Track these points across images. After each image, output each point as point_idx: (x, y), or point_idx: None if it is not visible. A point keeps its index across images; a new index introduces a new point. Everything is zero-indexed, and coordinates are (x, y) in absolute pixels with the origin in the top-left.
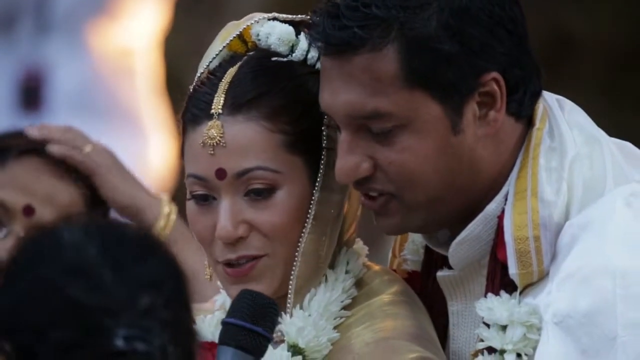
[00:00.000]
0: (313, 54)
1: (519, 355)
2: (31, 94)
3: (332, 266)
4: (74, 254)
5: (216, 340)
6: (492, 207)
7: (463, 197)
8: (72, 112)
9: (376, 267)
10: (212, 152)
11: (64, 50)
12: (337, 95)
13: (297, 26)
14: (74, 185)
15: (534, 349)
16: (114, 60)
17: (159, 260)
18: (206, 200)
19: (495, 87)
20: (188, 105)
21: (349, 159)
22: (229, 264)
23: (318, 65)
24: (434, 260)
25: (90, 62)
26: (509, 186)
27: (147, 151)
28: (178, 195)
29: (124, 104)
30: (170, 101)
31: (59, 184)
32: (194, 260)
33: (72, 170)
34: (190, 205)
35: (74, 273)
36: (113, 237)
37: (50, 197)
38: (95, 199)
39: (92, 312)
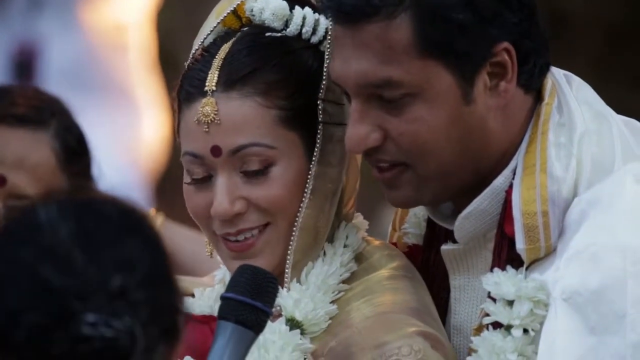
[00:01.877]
0: (307, 28)
1: (525, 330)
2: (24, 68)
3: (330, 240)
4: (48, 234)
5: (215, 314)
6: (499, 181)
7: (473, 169)
8: (65, 87)
9: (376, 242)
10: (206, 129)
11: (57, 25)
12: (349, 64)
13: (291, 1)
14: (44, 144)
15: (541, 324)
16: (106, 35)
17: (137, 239)
18: (203, 180)
19: (507, 57)
20: (182, 82)
21: (359, 128)
22: (229, 239)
23: (312, 40)
24: (437, 234)
25: (83, 37)
26: (517, 161)
27: (140, 126)
28: (171, 170)
29: (117, 79)
30: (163, 76)
31: (28, 146)
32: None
33: (41, 128)
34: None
35: (46, 254)
36: (89, 216)
37: (20, 162)
38: (69, 154)
39: (62, 295)
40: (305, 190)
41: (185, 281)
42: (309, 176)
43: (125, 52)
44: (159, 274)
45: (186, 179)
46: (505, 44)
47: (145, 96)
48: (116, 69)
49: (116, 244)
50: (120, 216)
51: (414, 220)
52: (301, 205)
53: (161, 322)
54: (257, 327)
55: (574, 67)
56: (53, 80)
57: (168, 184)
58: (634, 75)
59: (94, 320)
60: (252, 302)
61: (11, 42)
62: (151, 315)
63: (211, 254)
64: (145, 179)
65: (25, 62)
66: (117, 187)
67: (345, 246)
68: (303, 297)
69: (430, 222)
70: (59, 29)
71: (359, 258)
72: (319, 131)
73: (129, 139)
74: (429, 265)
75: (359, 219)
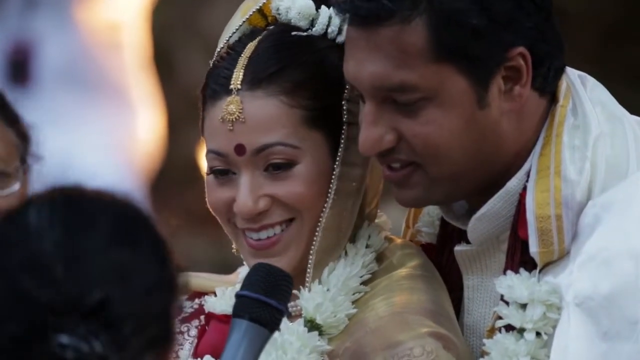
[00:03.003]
0: (333, 28)
1: (538, 334)
2: (19, 67)
3: (353, 240)
4: (34, 241)
5: None
6: (513, 183)
7: (485, 171)
8: (60, 86)
9: (398, 240)
10: (231, 127)
11: (52, 24)
12: (363, 66)
13: (317, 0)
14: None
15: (554, 328)
16: (101, 34)
17: (130, 247)
18: (226, 174)
19: (522, 61)
20: (208, 80)
21: (373, 130)
22: (251, 236)
23: (338, 39)
24: (450, 234)
25: (78, 36)
26: (531, 163)
27: (135, 125)
28: (165, 169)
29: (112, 78)
30: (158, 75)
31: None
32: None
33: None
34: (209, 178)
35: (29, 262)
36: (80, 221)
37: None
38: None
39: (39, 307)
40: (330, 190)
41: (208, 279)
42: (333, 176)
43: (120, 51)
44: (152, 282)
45: (208, 172)
46: (521, 49)
47: (139, 95)
48: (111, 68)
49: (103, 253)
50: (115, 222)
51: (427, 219)
52: (325, 205)
53: (149, 332)
54: (271, 325)
55: (573, 64)
56: (48, 79)
57: (162, 183)
58: (634, 73)
59: (66, 342)
60: (266, 299)
61: (6, 41)
62: (137, 327)
63: (237, 251)
64: (139, 177)
65: (20, 61)
66: (110, 186)
67: (367, 246)
68: (324, 300)
69: (443, 221)
70: (54, 28)
71: (380, 257)
72: (342, 131)
73: (123, 137)
74: (442, 265)
75: (382, 218)
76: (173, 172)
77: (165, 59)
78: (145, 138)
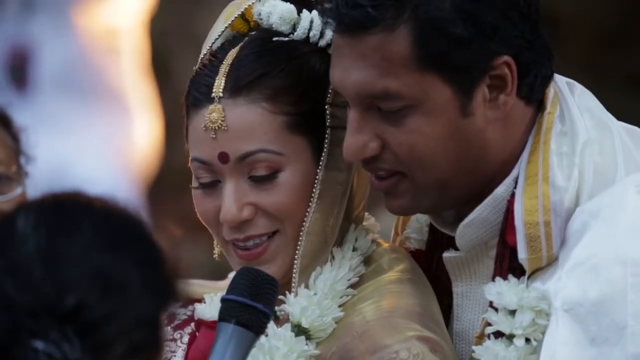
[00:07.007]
0: (315, 32)
1: (527, 340)
2: (17, 72)
3: (340, 243)
4: (18, 245)
5: None
6: (501, 190)
7: (472, 179)
8: (58, 91)
9: (385, 245)
10: (214, 135)
11: (50, 29)
12: (348, 74)
13: (299, 4)
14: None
15: (543, 334)
16: (99, 39)
17: (113, 250)
18: (212, 185)
19: (507, 70)
20: (190, 88)
21: (357, 137)
22: (238, 245)
23: (320, 43)
24: (439, 240)
25: (76, 41)
26: (519, 170)
27: (132, 130)
28: (162, 175)
29: (110, 83)
30: (156, 80)
31: None
32: None
33: None
34: (196, 190)
35: (12, 268)
36: (64, 226)
37: None
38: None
39: (18, 311)
40: (312, 195)
41: (199, 285)
42: (316, 181)
43: (118, 57)
44: (136, 288)
45: (194, 183)
46: (505, 58)
47: (137, 100)
48: (109, 73)
49: (82, 258)
50: (99, 228)
51: (416, 226)
52: (308, 210)
53: (134, 337)
54: (257, 328)
55: (567, 71)
56: (46, 83)
57: (159, 188)
58: (627, 79)
59: (39, 347)
60: (252, 303)
61: (4, 45)
62: (119, 332)
63: (218, 255)
64: (137, 183)
65: (18, 66)
66: (107, 191)
67: (354, 250)
68: (310, 304)
69: (432, 228)
70: (52, 33)
71: (368, 261)
72: (326, 136)
73: (121, 143)
74: (431, 271)
75: (370, 221)
76: (170, 177)
77: (163, 65)
78: (142, 143)
